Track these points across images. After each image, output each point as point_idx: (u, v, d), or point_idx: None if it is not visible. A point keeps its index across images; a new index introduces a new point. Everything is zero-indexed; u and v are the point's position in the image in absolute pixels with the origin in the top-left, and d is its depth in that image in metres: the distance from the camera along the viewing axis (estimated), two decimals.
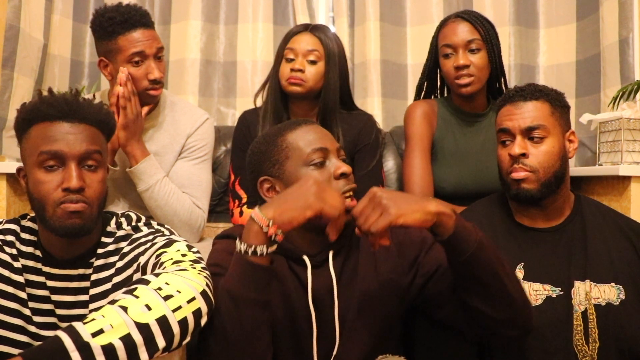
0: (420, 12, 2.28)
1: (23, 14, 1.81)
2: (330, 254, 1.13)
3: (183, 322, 0.88)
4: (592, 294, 1.18)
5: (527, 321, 1.05)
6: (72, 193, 1.01)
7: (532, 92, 1.26)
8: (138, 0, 2.25)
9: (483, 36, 1.64)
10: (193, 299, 0.91)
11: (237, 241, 0.98)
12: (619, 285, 1.19)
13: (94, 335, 0.81)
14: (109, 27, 1.50)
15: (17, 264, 1.10)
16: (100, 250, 1.10)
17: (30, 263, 1.11)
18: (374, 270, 1.14)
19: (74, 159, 1.02)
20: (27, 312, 1.09)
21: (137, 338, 0.83)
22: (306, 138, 1.12)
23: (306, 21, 2.22)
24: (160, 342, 0.85)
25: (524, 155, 1.22)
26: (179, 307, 0.89)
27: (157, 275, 0.94)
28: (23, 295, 1.09)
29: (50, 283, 1.10)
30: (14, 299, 1.09)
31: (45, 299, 1.10)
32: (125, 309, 0.85)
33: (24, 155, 1.07)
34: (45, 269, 1.10)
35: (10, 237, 1.12)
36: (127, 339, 0.82)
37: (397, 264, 1.15)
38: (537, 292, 1.20)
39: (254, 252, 0.96)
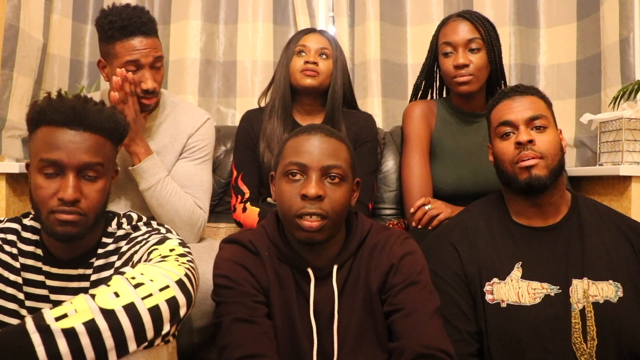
0: (420, 12, 2.28)
1: (22, 14, 1.81)
2: (335, 268, 1.12)
3: (154, 310, 0.88)
4: (590, 291, 1.18)
5: None
6: (66, 204, 1.01)
7: (526, 88, 1.30)
8: (138, 0, 2.25)
9: (483, 36, 1.64)
10: (166, 287, 0.90)
11: None
12: (617, 283, 1.18)
13: (58, 319, 0.82)
14: (109, 31, 1.47)
15: (16, 264, 1.10)
16: (100, 251, 1.10)
17: (30, 262, 1.10)
18: (369, 284, 1.13)
19: (72, 169, 1.02)
20: (24, 312, 1.09)
21: (102, 324, 0.83)
22: (296, 147, 1.11)
23: (306, 21, 2.24)
24: (128, 330, 0.85)
25: (531, 142, 1.23)
26: (150, 295, 0.88)
27: (134, 266, 0.94)
28: (21, 296, 1.09)
29: (49, 282, 1.10)
30: (12, 299, 1.09)
31: (44, 298, 1.09)
32: (93, 296, 0.86)
33: (29, 153, 1.07)
34: (45, 268, 1.10)
35: (11, 236, 1.12)
36: (90, 324, 0.82)
37: (383, 283, 1.13)
38: (535, 290, 1.20)
39: None
